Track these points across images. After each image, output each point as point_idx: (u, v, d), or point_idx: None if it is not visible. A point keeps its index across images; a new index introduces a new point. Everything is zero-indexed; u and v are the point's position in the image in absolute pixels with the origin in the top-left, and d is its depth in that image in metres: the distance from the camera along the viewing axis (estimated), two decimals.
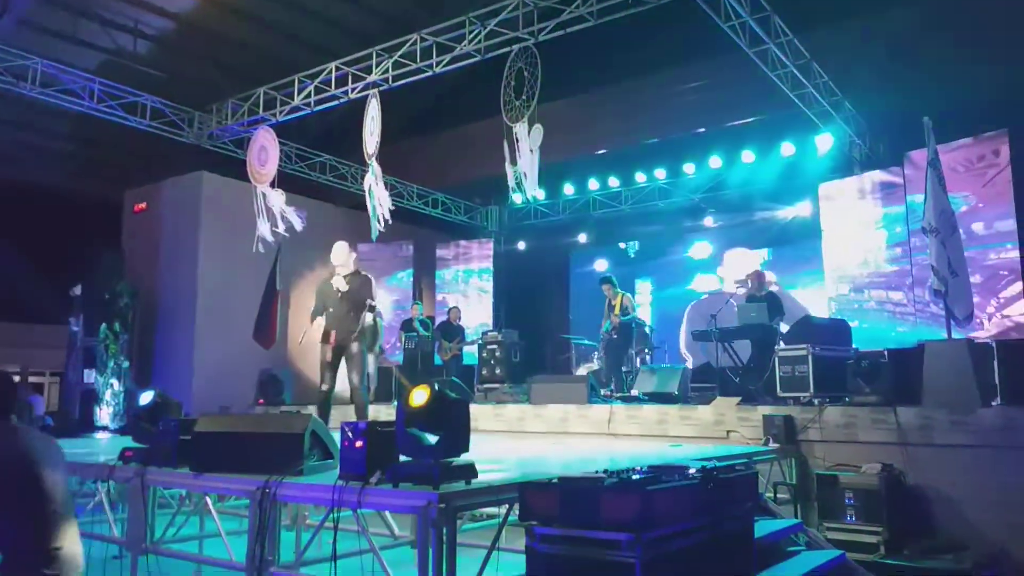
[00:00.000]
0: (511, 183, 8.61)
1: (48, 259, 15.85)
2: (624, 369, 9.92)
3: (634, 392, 9.18)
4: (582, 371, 10.91)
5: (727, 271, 13.58)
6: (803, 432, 6.52)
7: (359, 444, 3.65)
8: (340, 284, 6.90)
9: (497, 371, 10.73)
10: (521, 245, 15.71)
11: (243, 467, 4.13)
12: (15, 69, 9.89)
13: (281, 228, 10.35)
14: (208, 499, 4.69)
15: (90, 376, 12.53)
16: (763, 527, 4.60)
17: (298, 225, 10.44)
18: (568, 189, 14.50)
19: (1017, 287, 8.76)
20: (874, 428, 6.23)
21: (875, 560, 5.32)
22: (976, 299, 7.94)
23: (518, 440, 7.68)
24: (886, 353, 7.12)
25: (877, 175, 10.49)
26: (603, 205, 14.52)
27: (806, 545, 5.02)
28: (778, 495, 6.14)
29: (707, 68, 11.60)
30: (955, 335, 6.71)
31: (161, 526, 4.61)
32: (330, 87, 10.58)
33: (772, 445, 6.41)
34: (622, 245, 15.04)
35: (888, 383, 6.62)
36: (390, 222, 9.68)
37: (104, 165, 15.65)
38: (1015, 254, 8.79)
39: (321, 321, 6.94)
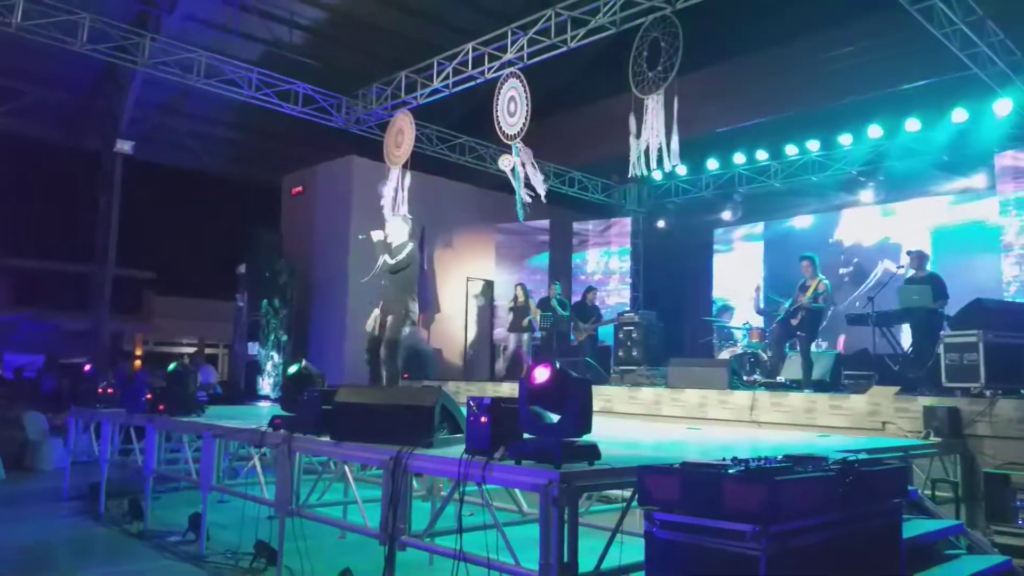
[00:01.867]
0: (632, 158, 8.37)
1: (217, 240, 17.33)
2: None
3: (780, 378, 8.73)
4: (724, 355, 10.52)
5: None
6: (970, 426, 5.92)
7: (484, 420, 3.69)
8: (381, 251, 7.06)
9: (634, 353, 10.57)
10: (661, 223, 15.30)
11: (379, 437, 4.29)
12: (183, 62, 10.75)
13: (402, 209, 10.61)
14: (347, 467, 4.92)
15: (253, 348, 13.56)
16: (916, 527, 4.23)
17: (539, 187, 10.55)
18: (712, 164, 13.93)
19: None
20: None
21: None
22: None
23: (653, 424, 7.52)
24: None
25: None
26: (750, 180, 13.85)
27: (967, 549, 4.57)
28: (938, 493, 5.63)
29: (863, 30, 10.76)
30: None
31: (307, 491, 4.89)
32: (467, 68, 10.73)
33: (933, 439, 5.87)
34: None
35: None
36: (543, 200, 9.71)
37: (264, 151, 16.79)
38: None
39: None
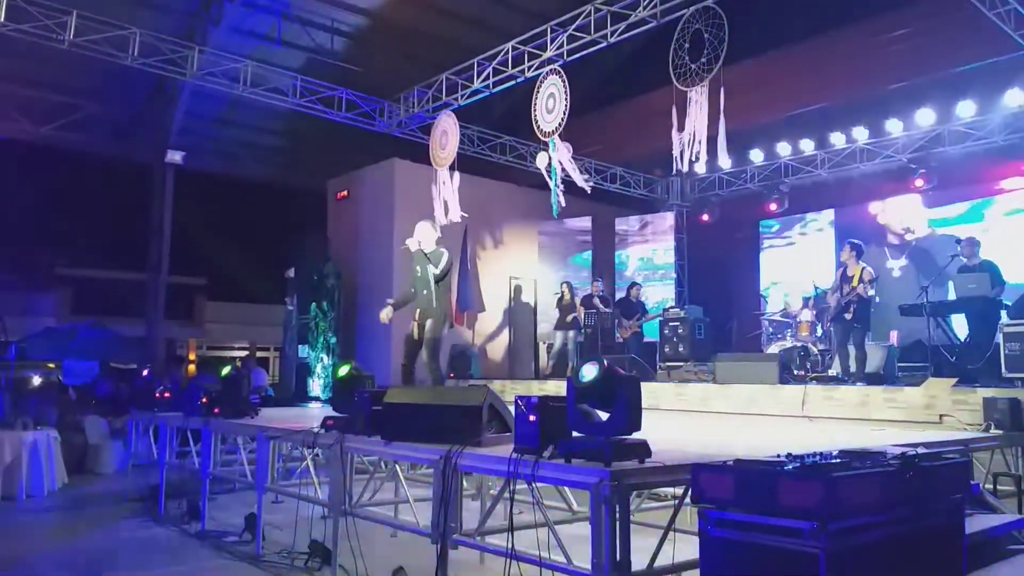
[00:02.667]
0: (675, 151, 8.30)
1: (267, 245, 17.68)
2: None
3: (832, 371, 8.56)
4: (774, 350, 10.35)
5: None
6: None
7: (532, 418, 3.70)
8: (420, 261, 7.13)
9: (680, 349, 10.47)
10: (706, 217, 15.10)
11: (429, 437, 4.33)
12: (229, 72, 10.99)
13: (454, 212, 10.68)
14: (397, 466, 4.97)
15: (303, 351, 13.80)
16: (978, 522, 4.11)
17: (456, 215, 10.70)
18: (756, 155, 13.71)
19: None
20: None
21: None
22: None
23: (701, 420, 7.45)
24: None
25: None
26: (796, 171, 13.60)
27: None
28: (1000, 487, 5.45)
29: (910, 14, 10.46)
30: None
31: (359, 491, 4.96)
32: (507, 68, 10.75)
33: (994, 432, 5.69)
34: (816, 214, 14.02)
35: None
36: (587, 190, 9.71)
37: (309, 157, 17.07)
38: None
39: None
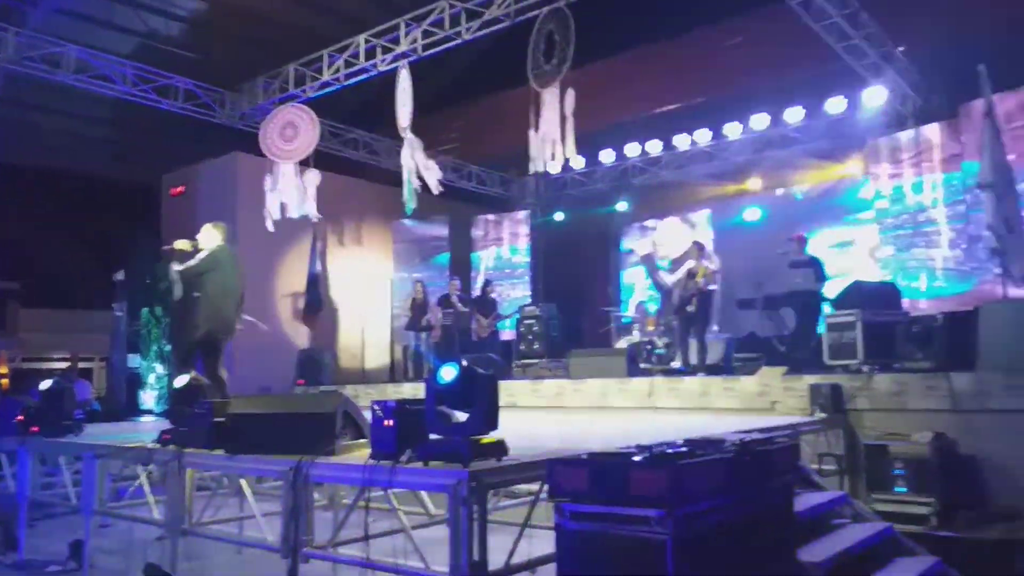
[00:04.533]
0: (532, 152, 8.44)
1: (92, 245, 16.26)
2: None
3: (674, 364, 9.00)
4: (623, 344, 10.75)
5: (661, 238, 13.77)
6: (851, 401, 6.29)
7: (389, 423, 3.60)
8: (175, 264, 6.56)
9: (536, 346, 10.63)
10: (559, 216, 15.47)
11: (277, 448, 4.13)
12: (50, 56, 10.00)
13: (311, 210, 10.34)
14: (243, 480, 4.71)
15: (134, 360, 12.81)
16: (806, 500, 4.44)
17: (314, 215, 10.40)
18: (606, 156, 14.18)
19: None
20: (926, 395, 5.99)
21: (925, 532, 5.12)
22: None
23: (556, 416, 7.60)
24: (940, 316, 6.82)
25: (931, 129, 10.02)
26: (643, 171, 14.19)
27: (852, 518, 4.84)
28: (824, 467, 5.94)
29: (748, 23, 11.16)
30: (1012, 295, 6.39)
31: (203, 508, 4.64)
32: (359, 60, 10.49)
33: (819, 415, 6.20)
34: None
35: (941, 348, 6.37)
36: (438, 190, 9.62)
37: (141, 150, 15.88)
38: None
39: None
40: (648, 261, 13.49)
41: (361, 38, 10.40)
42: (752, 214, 13.16)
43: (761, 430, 4.73)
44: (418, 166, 9.54)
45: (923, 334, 6.48)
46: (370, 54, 10.43)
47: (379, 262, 14.65)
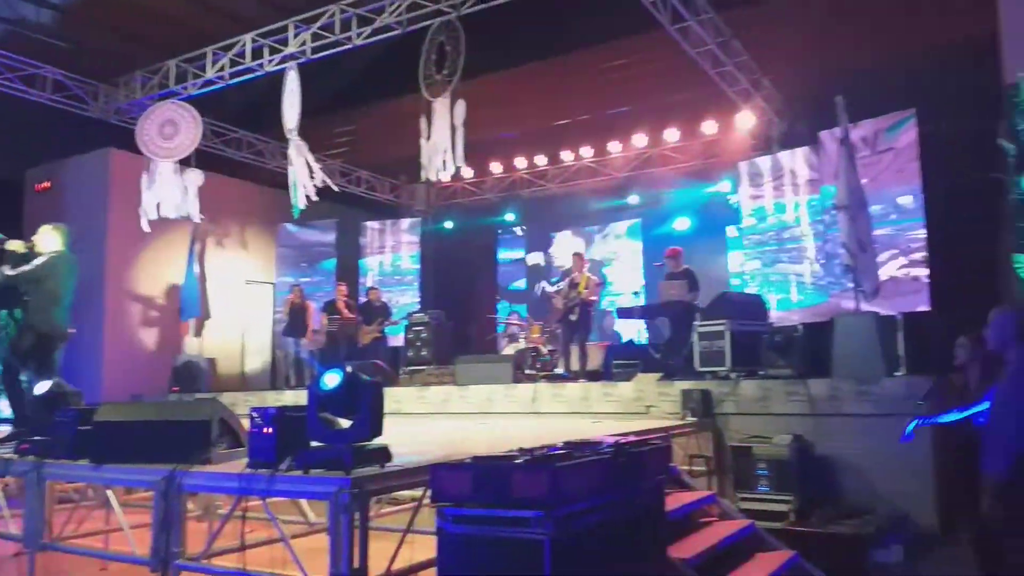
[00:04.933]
0: (423, 160, 8.51)
1: None
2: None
3: (558, 370, 9.23)
4: (510, 351, 10.92)
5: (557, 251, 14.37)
6: (720, 405, 6.67)
7: (268, 430, 3.54)
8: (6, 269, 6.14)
9: (423, 353, 10.63)
10: (449, 224, 15.55)
11: (148, 457, 3.96)
12: None
13: (193, 211, 9.99)
14: (110, 492, 4.48)
15: None
16: (677, 500, 4.69)
17: (195, 216, 10.04)
18: (495, 167, 14.40)
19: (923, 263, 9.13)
20: (787, 400, 6.43)
21: (784, 528, 5.49)
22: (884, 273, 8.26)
23: (442, 422, 7.63)
24: (799, 327, 7.34)
25: (794, 153, 10.77)
26: (530, 184, 14.49)
27: (719, 516, 5.14)
28: (695, 468, 6.27)
29: (633, 45, 11.58)
30: (863, 308, 6.96)
31: (65, 521, 4.39)
32: (245, 59, 10.20)
33: (689, 419, 6.53)
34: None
35: (801, 356, 6.84)
36: (316, 199, 9.46)
37: (2, 143, 14.71)
38: (922, 232, 9.14)
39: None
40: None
41: (248, 37, 10.12)
42: (633, 227, 13.74)
43: (637, 433, 4.96)
44: (306, 169, 9.38)
45: (784, 343, 6.96)
46: (257, 54, 10.17)
47: (262, 266, 14.22)
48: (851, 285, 7.21)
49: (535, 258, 15.14)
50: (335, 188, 9.53)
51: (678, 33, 8.88)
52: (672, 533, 4.22)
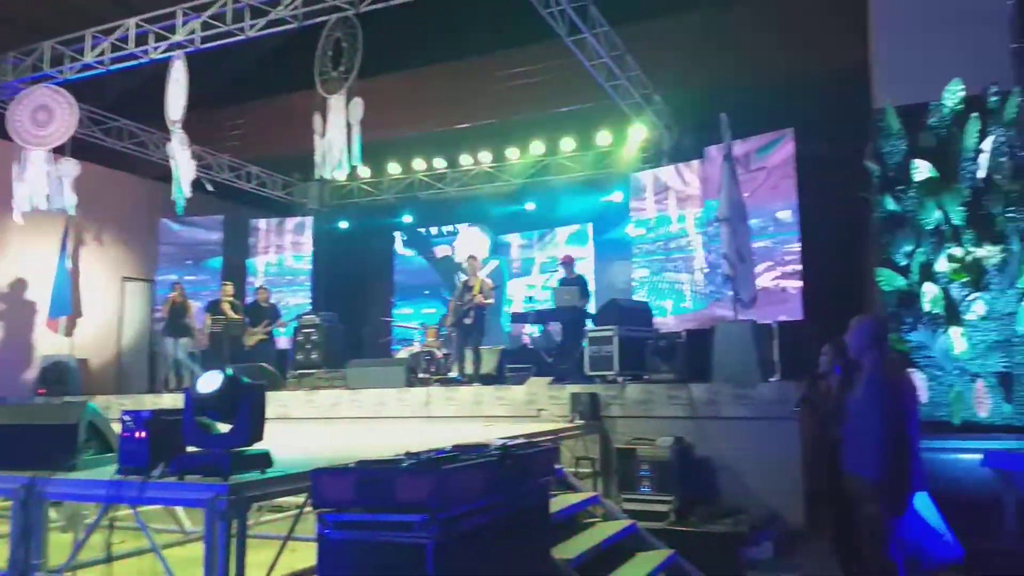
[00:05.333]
0: (316, 157, 8.35)
1: None
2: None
3: (451, 374, 9.24)
4: (403, 354, 10.83)
5: (460, 245, 14.66)
6: (606, 409, 6.86)
7: (141, 435, 3.38)
8: None
9: (313, 356, 10.36)
10: (343, 224, 15.25)
11: (8, 463, 3.71)
12: None
13: (69, 202, 9.43)
14: None
15: None
16: (561, 502, 4.79)
17: (71, 208, 9.51)
18: (393, 168, 14.26)
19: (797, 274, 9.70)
20: (669, 403, 6.68)
21: (665, 527, 5.70)
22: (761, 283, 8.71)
23: (330, 427, 7.49)
24: (683, 333, 7.65)
25: (682, 167, 11.21)
26: (428, 186, 14.42)
27: (603, 517, 5.29)
28: (581, 469, 6.42)
29: (532, 54, 11.74)
30: (741, 317, 7.32)
31: None
32: (128, 45, 9.67)
33: (578, 422, 6.68)
34: (448, 228, 15.12)
35: (683, 361, 7.13)
36: (189, 195, 9.11)
37: None
38: (797, 245, 9.70)
39: None
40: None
41: (132, 21, 9.60)
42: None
43: (527, 435, 5.03)
44: (189, 164, 9.03)
45: (668, 349, 7.23)
46: (142, 40, 9.66)
47: (142, 262, 13.50)
48: (730, 294, 7.56)
49: (443, 251, 15.10)
50: (209, 188, 9.18)
51: (574, 45, 9.08)
52: (556, 534, 4.31)
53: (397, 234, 15.56)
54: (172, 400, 8.79)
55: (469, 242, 14.56)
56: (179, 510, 4.64)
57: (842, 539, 4.55)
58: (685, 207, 11.05)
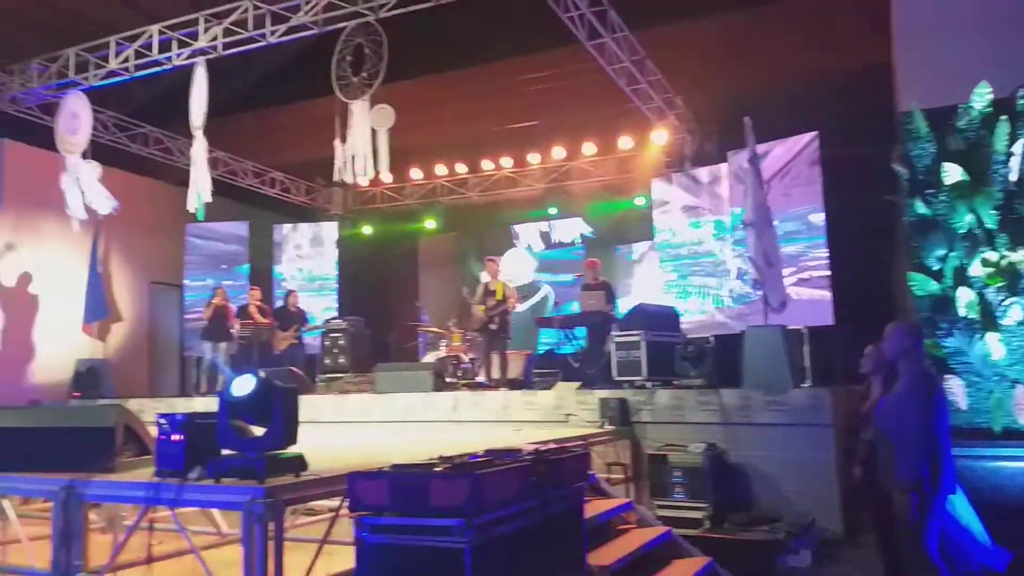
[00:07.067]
0: (337, 163, 8.40)
1: None
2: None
3: (479, 378, 9.23)
4: (429, 359, 10.83)
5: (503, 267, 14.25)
6: (636, 414, 6.81)
7: (177, 437, 3.41)
8: None
9: (341, 360, 10.40)
10: (368, 229, 15.32)
11: (47, 465, 3.76)
12: None
13: (101, 205, 9.57)
14: (7, 502, 4.21)
15: None
16: (595, 507, 4.75)
17: (103, 208, 9.71)
18: (415, 173, 14.30)
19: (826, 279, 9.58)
20: (700, 409, 6.61)
21: (700, 534, 5.63)
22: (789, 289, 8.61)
23: (361, 430, 7.50)
24: (712, 338, 7.58)
25: (705, 171, 11.14)
26: (450, 191, 14.46)
27: (637, 523, 5.24)
28: (613, 475, 6.37)
29: (553, 59, 11.75)
30: (771, 322, 7.23)
31: None
32: (152, 52, 9.78)
33: (608, 427, 6.64)
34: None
35: (712, 367, 7.07)
36: (208, 200, 9.23)
37: None
38: (825, 250, 9.58)
39: None
40: None
41: (155, 28, 9.70)
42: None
43: (556, 441, 5.01)
44: (207, 169, 9.17)
45: (697, 354, 7.17)
46: (165, 47, 9.76)
47: (171, 267, 13.64)
48: (759, 298, 7.48)
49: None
50: (208, 199, 9.29)
51: (595, 49, 9.06)
52: (591, 540, 4.28)
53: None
54: (204, 404, 8.85)
55: (512, 265, 14.27)
56: (215, 512, 4.67)
57: (885, 545, 4.47)
58: (708, 212, 10.98)
